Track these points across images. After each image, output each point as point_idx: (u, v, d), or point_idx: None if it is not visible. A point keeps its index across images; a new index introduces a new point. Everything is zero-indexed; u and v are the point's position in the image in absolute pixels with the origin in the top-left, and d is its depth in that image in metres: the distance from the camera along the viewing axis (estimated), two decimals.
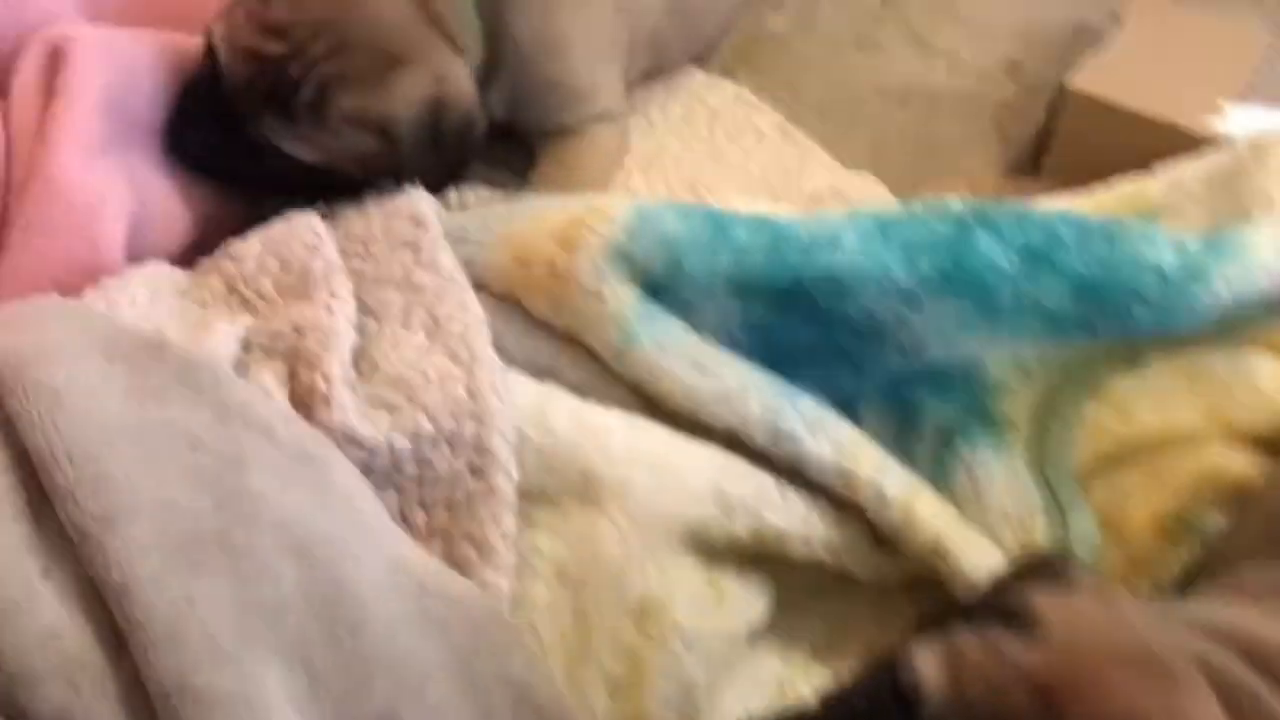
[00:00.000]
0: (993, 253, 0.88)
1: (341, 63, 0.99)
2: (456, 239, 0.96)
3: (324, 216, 1.00)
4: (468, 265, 0.95)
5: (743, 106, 1.43)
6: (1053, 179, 1.30)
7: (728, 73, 1.48)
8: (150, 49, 1.03)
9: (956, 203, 0.97)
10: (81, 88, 0.93)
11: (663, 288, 0.91)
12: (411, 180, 1.03)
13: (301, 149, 1.01)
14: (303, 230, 0.97)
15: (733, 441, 0.89)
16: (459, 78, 1.07)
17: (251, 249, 0.97)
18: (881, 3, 1.58)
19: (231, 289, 0.95)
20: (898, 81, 1.48)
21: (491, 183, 1.20)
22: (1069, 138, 1.26)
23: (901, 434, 0.96)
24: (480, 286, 0.94)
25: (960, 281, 0.89)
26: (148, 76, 1.01)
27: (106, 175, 0.92)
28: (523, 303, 0.93)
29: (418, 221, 0.97)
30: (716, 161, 1.37)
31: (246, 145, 1.02)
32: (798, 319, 0.91)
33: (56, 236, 0.89)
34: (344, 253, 0.96)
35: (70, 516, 0.68)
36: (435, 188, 1.06)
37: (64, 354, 0.75)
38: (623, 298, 0.89)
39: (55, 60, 0.95)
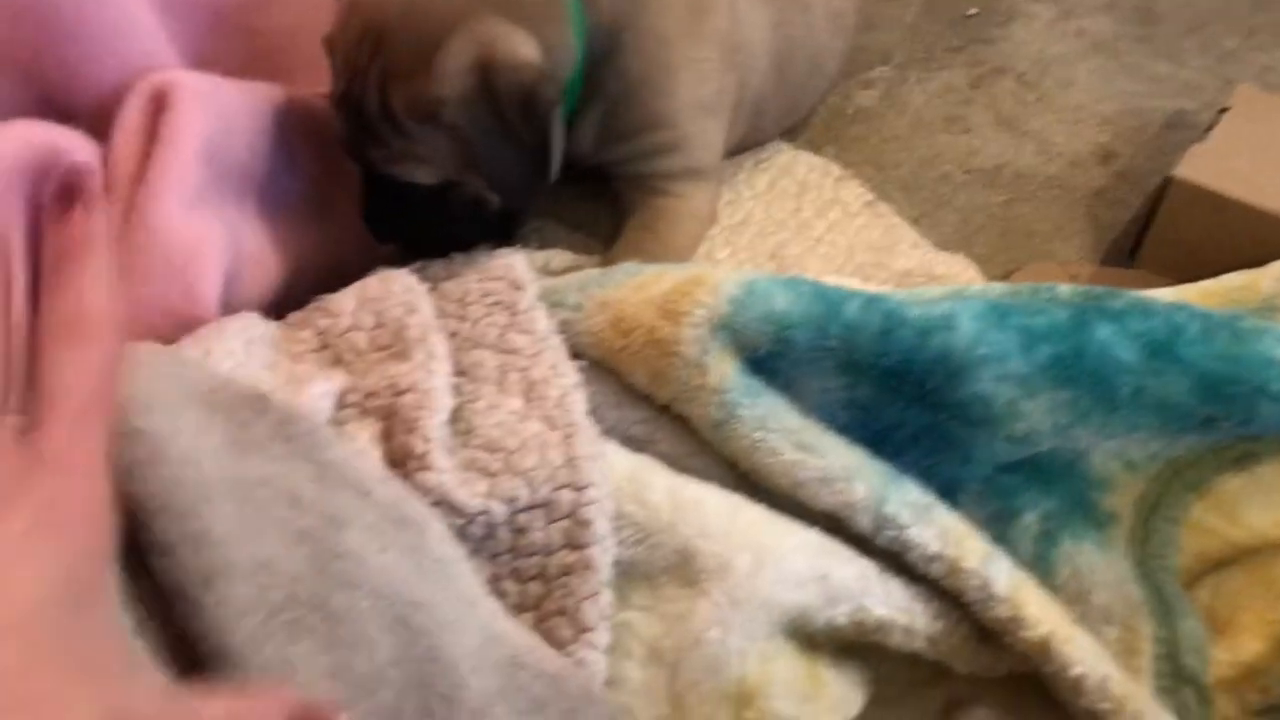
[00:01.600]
0: (1113, 343, 0.85)
1: (384, 58, 0.96)
2: (552, 303, 0.95)
3: (419, 276, 0.99)
4: (563, 330, 0.93)
5: (830, 180, 1.42)
6: (1149, 268, 1.28)
7: (815, 148, 1.47)
8: (251, 98, 1.03)
9: (1071, 289, 0.94)
10: (183, 135, 0.91)
11: (767, 363, 0.89)
12: (496, 183, 1.01)
13: (403, 168, 0.99)
14: (399, 288, 0.95)
15: (832, 524, 0.86)
16: (510, 39, 0.97)
17: (346, 304, 0.95)
18: (970, 84, 1.58)
19: (324, 344, 0.94)
20: (987, 163, 1.46)
21: (572, 247, 1.20)
22: (1169, 227, 1.23)
23: (1001, 524, 0.92)
24: (575, 352, 0.92)
25: (1079, 370, 0.86)
26: (248, 125, 1.01)
27: (205, 224, 0.91)
28: (619, 371, 0.91)
29: (514, 283, 0.95)
30: (802, 235, 1.36)
31: (419, 214, 1.03)
32: (905, 401, 0.89)
33: (153, 284, 0.87)
34: (440, 313, 0.95)
35: (167, 572, 0.66)
36: (523, 189, 1.04)
37: (165, 403, 0.73)
38: (725, 371, 0.86)
39: (158, 106, 0.94)
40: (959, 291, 0.97)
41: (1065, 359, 0.87)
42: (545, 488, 0.80)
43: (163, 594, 0.66)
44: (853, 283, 1.14)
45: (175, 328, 0.87)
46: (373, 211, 1.06)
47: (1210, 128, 1.27)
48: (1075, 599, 0.90)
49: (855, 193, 1.40)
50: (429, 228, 1.04)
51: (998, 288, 0.97)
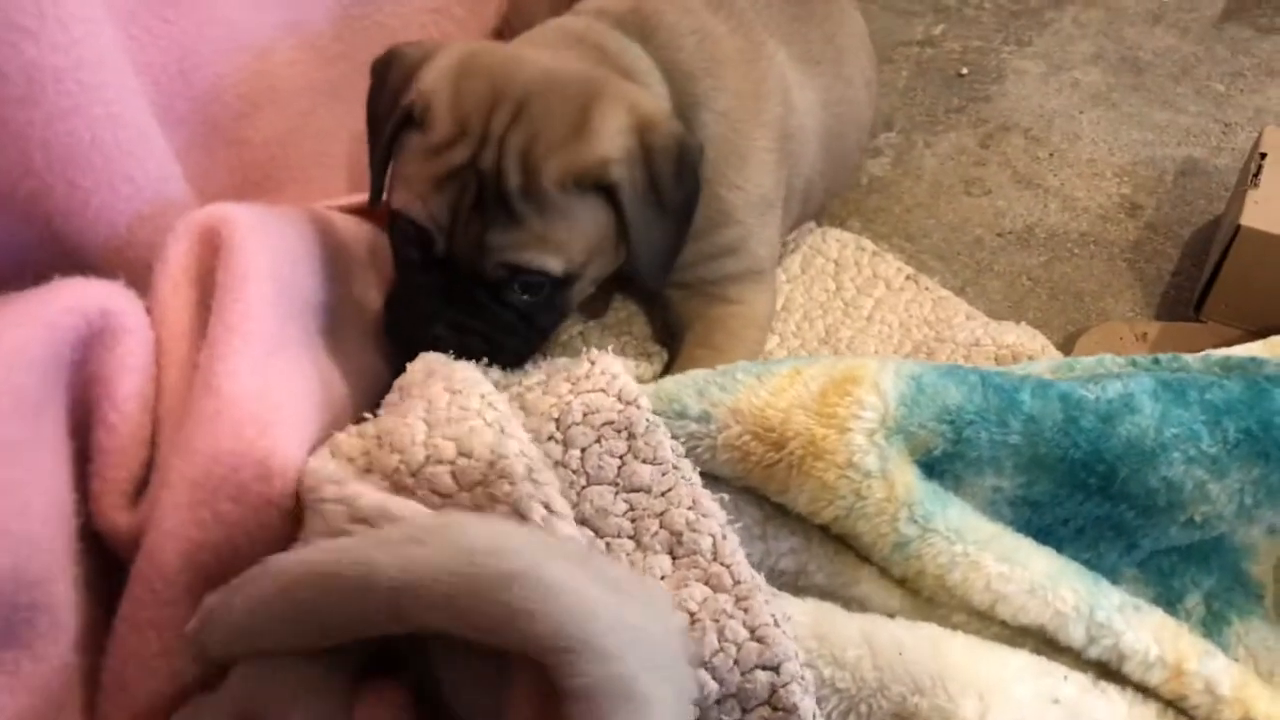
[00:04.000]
0: None
1: (530, 125, 0.86)
2: (671, 414, 0.82)
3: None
4: (691, 446, 0.81)
5: (866, 256, 1.34)
6: (1216, 319, 1.23)
7: (838, 222, 1.40)
8: (302, 224, 0.91)
9: (1214, 355, 0.88)
10: (250, 280, 0.78)
11: (938, 465, 0.79)
12: (643, 252, 0.91)
13: (541, 255, 0.87)
14: (475, 402, 0.80)
15: (1027, 633, 0.77)
16: (652, 100, 0.95)
17: (414, 433, 0.79)
18: (980, 144, 1.53)
19: (399, 485, 0.79)
20: (1016, 224, 1.41)
21: (619, 353, 1.08)
22: (1237, 276, 1.18)
23: (1164, 608, 0.84)
24: (707, 471, 0.81)
25: (1269, 443, 0.79)
26: (303, 253, 0.88)
27: (281, 382, 0.77)
28: (767, 491, 0.80)
29: (623, 397, 0.81)
30: (851, 315, 1.27)
31: (489, 303, 0.90)
32: (1085, 494, 0.80)
33: (222, 462, 0.71)
34: (535, 435, 0.81)
35: None
36: (666, 259, 0.94)
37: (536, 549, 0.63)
38: (908, 480, 0.76)
39: (208, 246, 0.81)
40: (1101, 363, 0.89)
41: (1252, 433, 0.79)
42: (734, 674, 0.67)
43: None
44: (920, 361, 1.07)
45: (248, 514, 0.72)
46: (418, 316, 0.90)
47: (1256, 174, 1.23)
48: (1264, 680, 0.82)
49: (894, 267, 1.32)
50: (494, 337, 0.91)
51: (1142, 359, 0.89)
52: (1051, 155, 1.51)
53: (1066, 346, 1.23)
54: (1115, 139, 1.54)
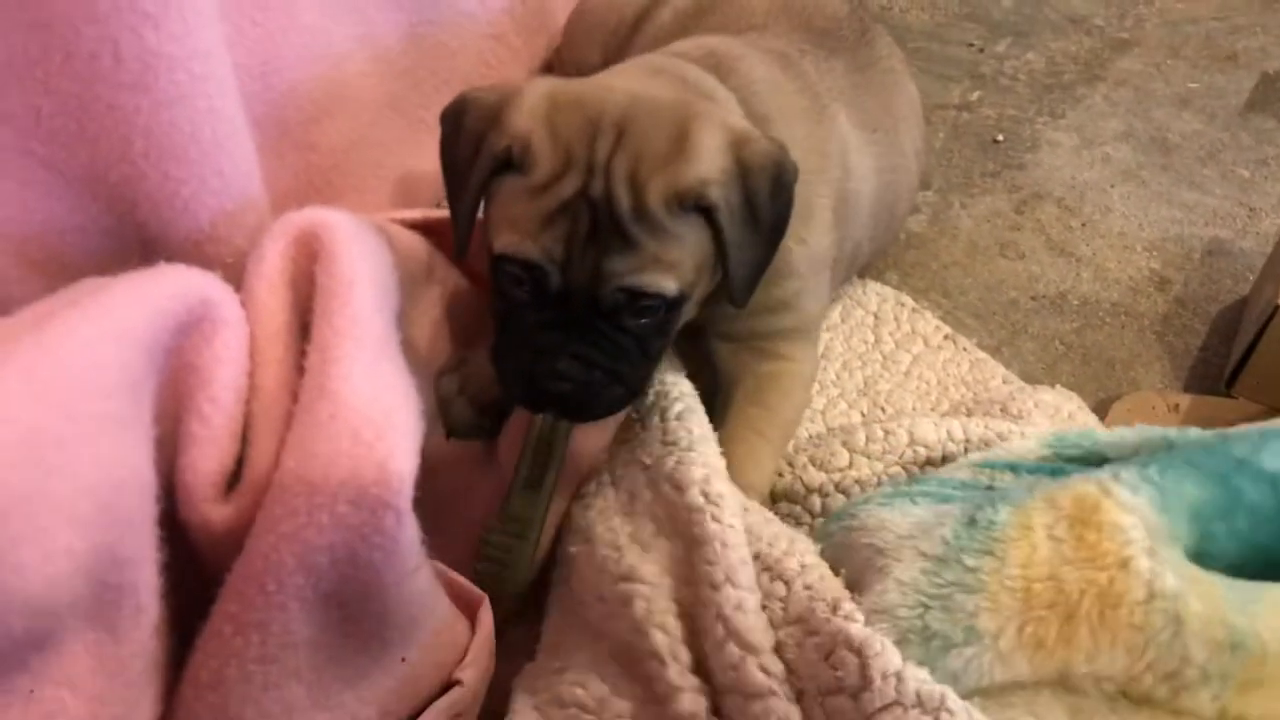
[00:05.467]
0: None
1: (633, 148, 0.87)
2: (937, 672, 0.72)
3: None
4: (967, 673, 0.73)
5: (906, 312, 1.36)
6: (1245, 396, 1.25)
7: (876, 274, 1.42)
8: (379, 232, 0.90)
9: None
10: (357, 284, 0.78)
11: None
12: (737, 270, 0.91)
13: (657, 276, 0.87)
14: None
15: None
16: (742, 119, 0.96)
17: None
18: (1015, 210, 1.56)
19: None
20: (1050, 289, 1.43)
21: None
22: (1273, 356, 1.21)
23: None
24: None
25: None
26: (390, 265, 0.88)
27: (392, 385, 0.76)
28: (1070, 667, 0.72)
29: (859, 646, 0.71)
30: (889, 369, 1.29)
31: (609, 331, 0.89)
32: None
33: (340, 465, 0.70)
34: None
35: None
36: (755, 276, 0.94)
37: None
38: (1209, 582, 0.72)
39: (305, 250, 0.81)
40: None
41: None
42: None
43: None
44: (956, 421, 1.07)
45: (366, 517, 0.70)
46: (539, 354, 0.88)
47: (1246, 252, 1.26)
48: None
49: (933, 325, 1.34)
50: (614, 368, 0.90)
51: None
52: (1084, 225, 1.54)
53: (1099, 413, 1.25)
54: (1145, 215, 1.57)
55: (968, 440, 1.05)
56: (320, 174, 1.18)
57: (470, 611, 0.87)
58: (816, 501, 1.04)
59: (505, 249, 0.87)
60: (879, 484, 1.04)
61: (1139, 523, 0.73)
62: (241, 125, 0.90)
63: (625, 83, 0.95)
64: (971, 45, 1.97)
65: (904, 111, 1.30)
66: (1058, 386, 1.24)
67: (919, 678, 0.69)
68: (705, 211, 0.87)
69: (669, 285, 0.87)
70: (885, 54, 1.31)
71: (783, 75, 1.12)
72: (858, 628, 0.72)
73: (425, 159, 1.35)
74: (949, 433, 1.06)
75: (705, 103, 0.94)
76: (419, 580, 0.78)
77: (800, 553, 0.83)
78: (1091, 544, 0.73)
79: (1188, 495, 0.75)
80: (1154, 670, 0.70)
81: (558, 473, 0.97)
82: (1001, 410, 1.18)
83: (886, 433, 1.07)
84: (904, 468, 1.04)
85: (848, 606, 0.74)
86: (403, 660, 0.79)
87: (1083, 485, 0.77)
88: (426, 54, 1.35)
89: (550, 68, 1.61)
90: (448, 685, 0.83)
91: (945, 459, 1.05)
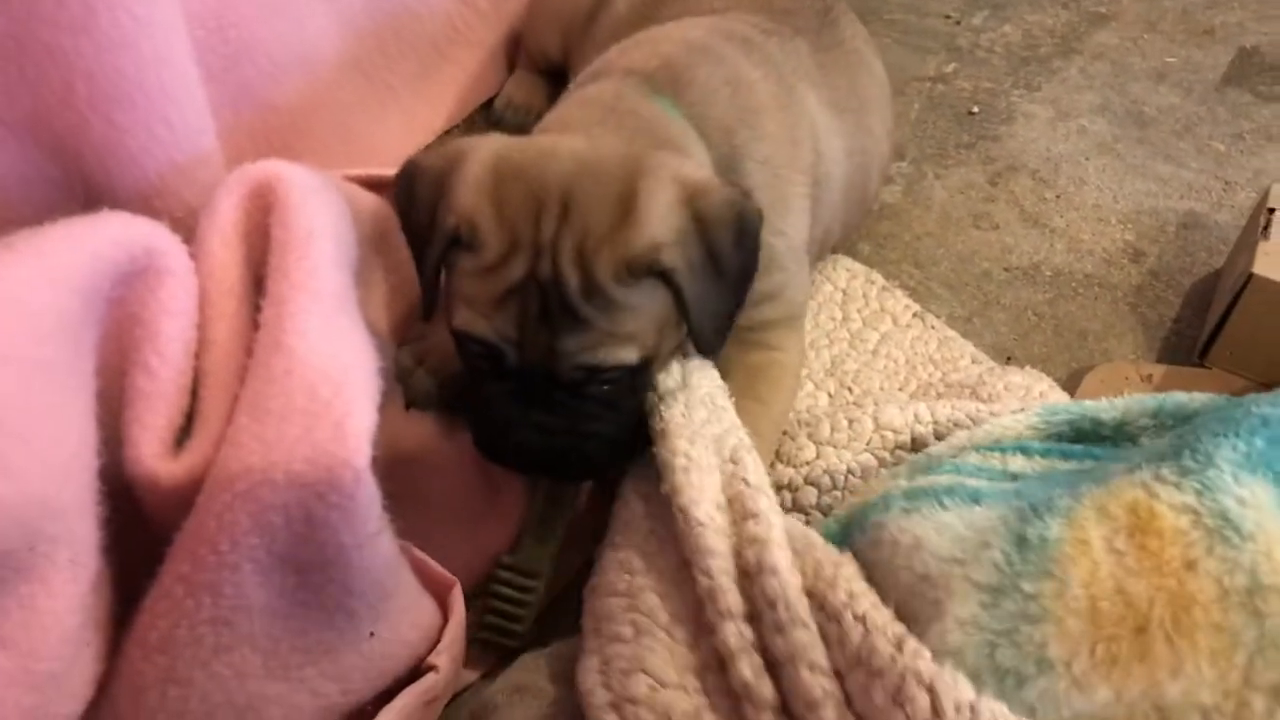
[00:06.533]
0: None
1: (578, 223, 0.83)
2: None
3: None
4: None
5: (873, 289, 1.34)
6: (1220, 367, 1.24)
7: (850, 246, 1.41)
8: (339, 190, 0.88)
9: None
10: (314, 237, 0.75)
11: None
12: (702, 327, 0.87)
13: (613, 350, 0.85)
14: None
15: None
16: (697, 167, 0.91)
17: None
18: (989, 181, 1.54)
19: None
20: (1023, 260, 1.42)
21: None
22: (1246, 325, 1.20)
23: None
24: None
25: None
26: (348, 220, 0.85)
27: (350, 340, 0.73)
28: (1157, 685, 0.67)
29: (930, 682, 0.67)
30: (856, 348, 1.27)
31: (568, 400, 0.87)
32: None
33: (294, 422, 0.68)
34: None
35: None
36: (723, 328, 0.91)
37: None
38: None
39: (260, 203, 0.79)
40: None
41: None
42: None
43: None
44: (923, 402, 1.05)
45: (322, 475, 0.68)
46: (500, 425, 0.88)
47: (1266, 227, 1.25)
48: None
49: (902, 304, 1.33)
50: (579, 429, 0.88)
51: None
52: (1058, 198, 1.53)
53: (1071, 383, 1.24)
54: (1120, 187, 1.56)
55: (935, 422, 1.03)
56: (278, 134, 1.16)
57: (440, 596, 0.85)
58: (787, 497, 1.02)
59: (462, 326, 0.85)
60: (849, 472, 1.02)
61: (1194, 520, 0.69)
62: (193, 76, 0.87)
63: (572, 142, 0.89)
64: (948, 17, 1.96)
65: (871, 92, 1.28)
66: (1027, 368, 1.22)
67: (993, 709, 0.65)
68: (662, 274, 0.83)
69: (628, 356, 0.85)
70: (849, 34, 1.29)
71: (746, 64, 1.09)
72: (926, 663, 0.67)
73: (389, 123, 1.33)
74: (916, 415, 1.04)
75: (656, 155, 0.88)
76: (380, 545, 0.75)
77: (846, 579, 0.76)
78: (1155, 551, 0.69)
79: (1231, 494, 0.71)
80: (1253, 683, 0.65)
81: (566, 522, 0.98)
82: (971, 394, 1.16)
83: (851, 421, 1.05)
84: (873, 454, 1.02)
85: (912, 645, 0.69)
86: (371, 635, 0.77)
87: (1130, 490, 0.73)
88: (391, 15, 1.32)
89: (517, 42, 1.58)
90: (418, 671, 0.81)
91: (915, 441, 1.03)
